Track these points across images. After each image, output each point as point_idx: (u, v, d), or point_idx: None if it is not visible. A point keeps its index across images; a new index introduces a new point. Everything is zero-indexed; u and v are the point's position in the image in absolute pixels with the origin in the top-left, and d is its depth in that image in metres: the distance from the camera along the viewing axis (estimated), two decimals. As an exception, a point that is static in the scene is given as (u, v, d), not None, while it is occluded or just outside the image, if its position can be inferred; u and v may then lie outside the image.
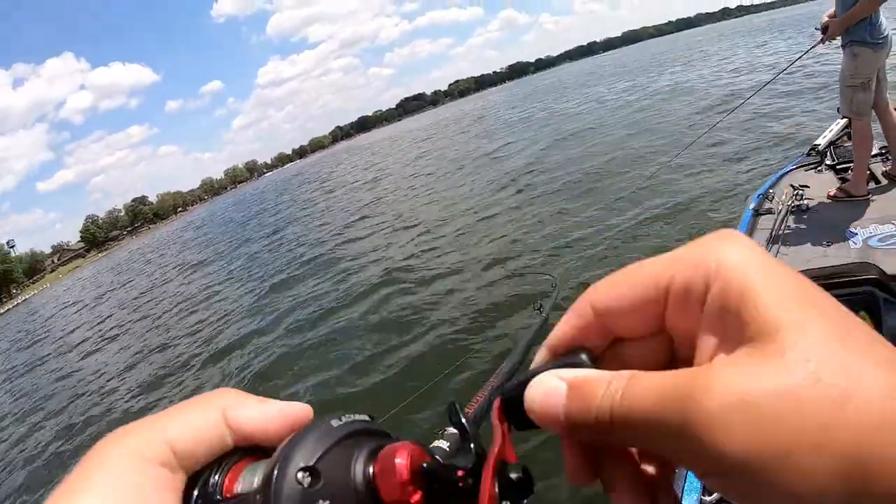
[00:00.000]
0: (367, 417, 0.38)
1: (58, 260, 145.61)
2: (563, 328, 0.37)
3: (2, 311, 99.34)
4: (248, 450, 0.37)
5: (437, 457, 0.33)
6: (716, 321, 0.30)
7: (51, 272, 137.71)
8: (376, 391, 5.98)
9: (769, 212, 4.83)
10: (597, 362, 0.37)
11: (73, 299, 45.45)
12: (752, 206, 5.05)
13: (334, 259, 14.86)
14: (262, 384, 8.27)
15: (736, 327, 0.28)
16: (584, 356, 0.37)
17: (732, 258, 0.30)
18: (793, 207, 4.73)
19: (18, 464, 10.70)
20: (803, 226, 4.50)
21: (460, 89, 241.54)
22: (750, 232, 4.60)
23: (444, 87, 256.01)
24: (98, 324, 24.93)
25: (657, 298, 0.33)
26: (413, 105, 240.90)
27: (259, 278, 17.56)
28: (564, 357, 0.36)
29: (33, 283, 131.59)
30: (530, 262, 8.53)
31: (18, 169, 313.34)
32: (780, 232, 4.37)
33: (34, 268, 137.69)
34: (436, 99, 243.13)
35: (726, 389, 0.26)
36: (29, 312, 60.51)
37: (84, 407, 12.64)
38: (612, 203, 10.52)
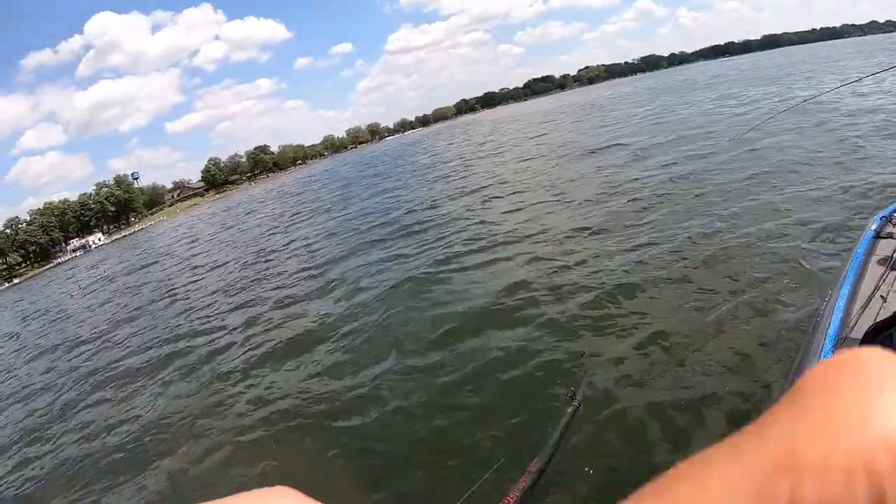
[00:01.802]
0: None
1: (177, 196, 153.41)
2: None
3: (120, 235, 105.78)
4: None
5: None
6: None
7: (169, 206, 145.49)
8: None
9: (890, 236, 4.74)
10: None
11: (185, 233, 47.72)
12: (873, 227, 4.95)
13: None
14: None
15: None
16: None
17: None
18: None
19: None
20: None
21: (590, 76, 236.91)
22: (868, 255, 4.51)
23: (573, 73, 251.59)
24: (209, 253, 25.92)
25: None
26: (540, 86, 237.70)
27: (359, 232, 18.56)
28: None
29: (152, 214, 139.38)
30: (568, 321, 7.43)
31: (150, 108, 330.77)
32: None
33: (154, 200, 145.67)
34: (563, 83, 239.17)
35: None
36: (146, 239, 64.02)
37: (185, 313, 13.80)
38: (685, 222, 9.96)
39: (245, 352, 9.66)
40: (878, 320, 3.00)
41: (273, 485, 0.34)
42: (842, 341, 3.36)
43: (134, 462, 7.23)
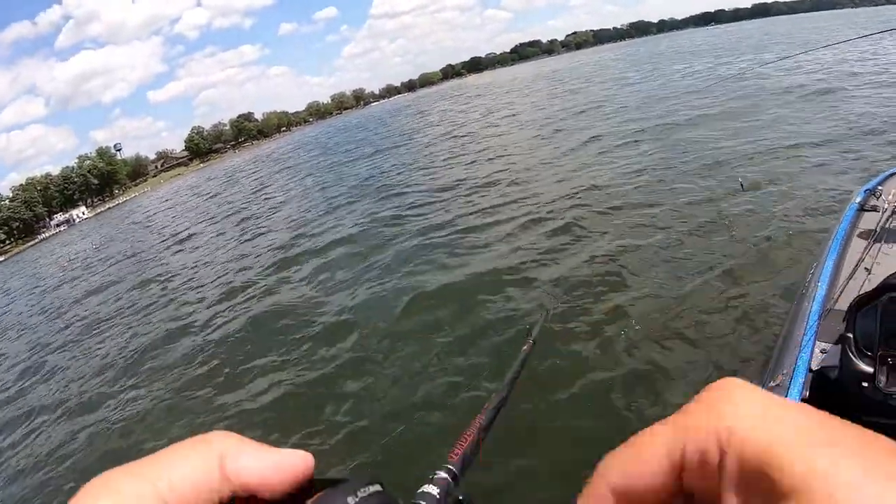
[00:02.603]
0: (379, 487, 0.36)
1: (161, 166, 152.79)
2: None
3: (104, 208, 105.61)
4: (245, 499, 0.35)
5: None
6: (739, 483, 0.29)
7: (153, 176, 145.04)
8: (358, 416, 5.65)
9: (874, 209, 4.78)
10: None
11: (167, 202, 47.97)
12: (857, 200, 5.04)
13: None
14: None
15: (763, 489, 0.28)
16: None
17: (742, 420, 0.30)
18: None
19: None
20: None
21: (577, 41, 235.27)
22: (852, 228, 4.62)
23: (560, 38, 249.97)
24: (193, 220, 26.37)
25: (673, 470, 0.32)
26: (528, 51, 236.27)
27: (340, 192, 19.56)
28: None
29: (135, 185, 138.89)
30: (530, 263, 8.15)
31: (132, 78, 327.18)
32: (885, 231, 4.28)
33: (138, 171, 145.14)
34: (551, 48, 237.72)
35: None
36: (129, 211, 64.17)
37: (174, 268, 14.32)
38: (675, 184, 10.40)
39: (221, 323, 10.27)
40: (862, 293, 3.11)
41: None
42: (826, 313, 3.53)
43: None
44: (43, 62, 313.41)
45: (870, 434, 0.28)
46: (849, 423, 0.29)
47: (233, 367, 7.93)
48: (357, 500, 0.34)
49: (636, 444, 0.34)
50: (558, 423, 4.67)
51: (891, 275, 2.92)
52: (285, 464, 0.35)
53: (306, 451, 0.36)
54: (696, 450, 0.31)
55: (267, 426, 6.08)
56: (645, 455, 0.33)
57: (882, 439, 0.28)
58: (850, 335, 2.83)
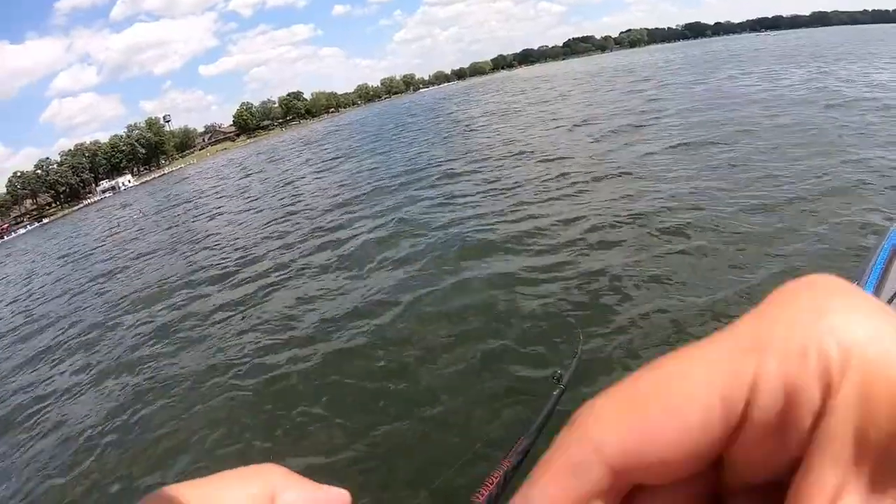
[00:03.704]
0: None
1: (208, 139, 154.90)
2: (552, 490, 0.25)
3: (149, 177, 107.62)
4: None
5: None
6: (848, 448, 0.20)
7: (200, 149, 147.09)
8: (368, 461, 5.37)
9: None
10: None
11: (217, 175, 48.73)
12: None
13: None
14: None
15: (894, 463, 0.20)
16: None
17: (868, 336, 0.21)
18: None
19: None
20: None
21: (631, 39, 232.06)
22: (893, 255, 4.28)
23: (614, 35, 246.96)
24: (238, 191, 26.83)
25: (721, 430, 0.23)
26: (580, 47, 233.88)
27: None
28: None
29: (182, 157, 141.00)
30: (564, 298, 7.36)
31: (184, 52, 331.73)
32: None
33: (185, 143, 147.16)
34: (604, 45, 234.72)
35: None
36: (175, 181, 65.29)
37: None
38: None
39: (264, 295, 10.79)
40: None
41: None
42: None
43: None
44: (97, 32, 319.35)
45: None
46: None
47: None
48: None
49: (656, 386, 0.24)
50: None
51: None
52: (327, 501, 0.37)
53: (345, 488, 0.37)
54: (776, 389, 0.22)
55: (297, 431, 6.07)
56: (673, 408, 0.23)
57: None
58: None
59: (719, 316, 6.04)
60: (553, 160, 16.24)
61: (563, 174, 14.16)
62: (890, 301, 3.53)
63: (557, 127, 23.49)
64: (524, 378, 5.73)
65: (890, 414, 0.19)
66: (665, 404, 0.23)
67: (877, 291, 3.93)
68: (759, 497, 0.23)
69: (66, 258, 26.99)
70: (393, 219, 13.45)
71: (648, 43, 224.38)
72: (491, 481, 0.70)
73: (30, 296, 19.86)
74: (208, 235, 18.99)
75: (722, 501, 0.25)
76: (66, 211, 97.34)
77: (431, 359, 6.64)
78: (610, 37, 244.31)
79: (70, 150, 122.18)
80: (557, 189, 12.67)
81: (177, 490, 0.34)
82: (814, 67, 30.12)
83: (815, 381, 0.20)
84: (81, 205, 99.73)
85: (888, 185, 9.07)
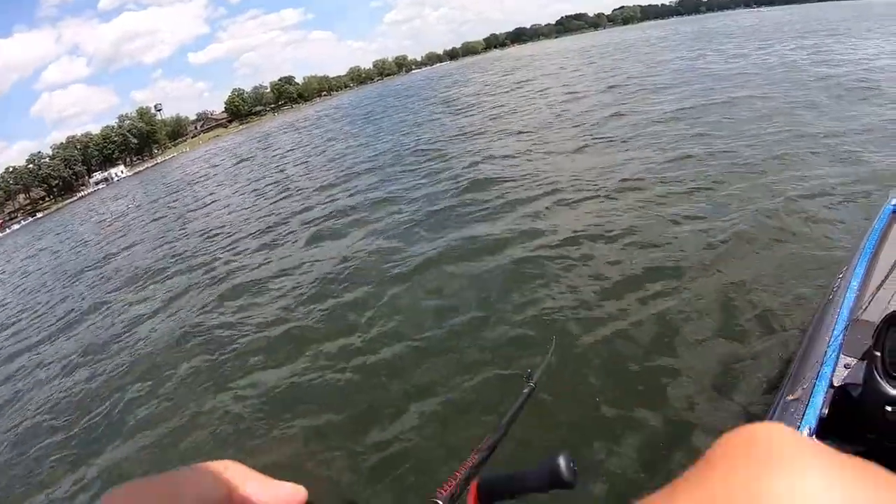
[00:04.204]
0: None
1: (200, 127, 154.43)
2: None
3: (142, 167, 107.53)
4: None
5: None
6: None
7: (192, 137, 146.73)
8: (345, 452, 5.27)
9: None
10: None
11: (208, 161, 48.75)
12: (893, 201, 4.70)
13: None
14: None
15: None
16: None
17: None
18: None
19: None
20: None
21: (624, 16, 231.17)
22: (886, 231, 4.37)
23: (607, 12, 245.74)
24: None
25: None
26: (573, 24, 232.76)
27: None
28: None
29: (175, 145, 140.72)
30: (538, 293, 7.12)
31: (174, 40, 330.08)
32: None
33: (177, 131, 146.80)
34: (597, 22, 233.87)
35: None
36: (168, 171, 65.27)
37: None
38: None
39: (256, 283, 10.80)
40: (894, 308, 2.95)
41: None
42: (853, 323, 3.30)
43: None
44: (85, 22, 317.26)
45: None
46: None
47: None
48: None
49: None
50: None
51: None
52: (283, 495, 0.38)
53: (298, 482, 0.38)
54: None
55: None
56: None
57: None
58: (878, 353, 2.64)
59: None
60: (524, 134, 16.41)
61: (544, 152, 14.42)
62: (890, 270, 3.56)
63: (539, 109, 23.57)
64: (497, 376, 5.62)
65: None
66: None
67: (872, 261, 3.96)
68: None
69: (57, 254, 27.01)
70: (374, 199, 13.65)
71: (642, 20, 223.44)
72: (456, 476, 0.68)
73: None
74: (198, 223, 19.07)
75: None
76: (60, 204, 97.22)
77: (403, 355, 6.53)
78: (603, 14, 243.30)
79: (62, 142, 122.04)
80: (535, 180, 12.69)
81: (136, 485, 0.34)
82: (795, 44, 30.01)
83: None
84: (75, 197, 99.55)
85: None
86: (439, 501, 0.60)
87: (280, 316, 8.47)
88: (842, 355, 3.11)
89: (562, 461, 0.40)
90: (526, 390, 1.44)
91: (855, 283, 3.72)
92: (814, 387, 2.89)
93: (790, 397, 2.97)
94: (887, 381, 2.54)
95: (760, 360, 4.77)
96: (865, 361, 2.75)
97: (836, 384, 2.92)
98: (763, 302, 5.63)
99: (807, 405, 2.79)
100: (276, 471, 0.38)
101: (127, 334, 10.11)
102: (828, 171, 8.95)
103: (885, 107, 12.13)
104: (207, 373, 7.50)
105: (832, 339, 3.21)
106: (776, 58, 23.98)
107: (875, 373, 2.58)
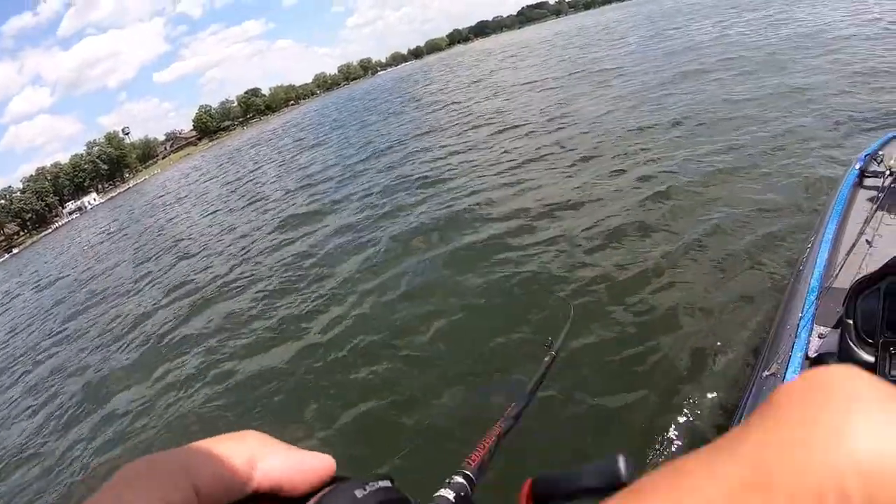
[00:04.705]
0: (388, 483, 0.34)
1: (170, 147, 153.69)
2: None
3: (115, 193, 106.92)
4: (266, 496, 0.37)
5: None
6: None
7: (163, 158, 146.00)
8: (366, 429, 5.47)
9: (875, 175, 4.59)
10: None
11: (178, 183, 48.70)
12: (857, 166, 4.81)
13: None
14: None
15: None
16: None
17: (883, 453, 0.18)
18: None
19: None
20: None
21: (585, 1, 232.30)
22: (852, 196, 4.46)
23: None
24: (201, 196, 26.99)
25: None
26: (535, 13, 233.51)
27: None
28: None
29: (146, 167, 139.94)
30: (555, 268, 7.20)
31: (137, 61, 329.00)
32: (886, 199, 4.11)
33: (147, 153, 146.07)
34: (559, 9, 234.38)
35: None
36: (140, 194, 65.09)
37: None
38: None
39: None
40: (863, 273, 2.91)
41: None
42: (825, 291, 3.30)
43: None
44: (46, 52, 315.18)
45: None
46: None
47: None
48: (366, 493, 0.32)
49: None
50: (574, 437, 4.40)
51: (894, 256, 2.70)
52: (308, 466, 0.37)
53: (327, 453, 0.36)
54: None
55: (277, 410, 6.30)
56: None
57: None
58: (850, 321, 2.65)
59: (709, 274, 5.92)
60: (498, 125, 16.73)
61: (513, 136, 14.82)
62: (859, 236, 3.66)
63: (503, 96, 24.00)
64: (518, 344, 5.74)
65: None
66: None
67: (839, 229, 4.03)
68: None
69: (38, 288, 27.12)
70: (352, 196, 13.92)
71: (603, 3, 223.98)
72: (483, 446, 0.80)
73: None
74: (175, 245, 19.20)
75: None
76: (35, 238, 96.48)
77: (424, 330, 6.71)
78: (564, 0, 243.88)
79: (32, 174, 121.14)
80: (508, 161, 13.01)
81: (155, 458, 0.34)
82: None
83: None
84: (50, 229, 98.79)
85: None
86: (468, 472, 0.61)
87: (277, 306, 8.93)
88: (815, 325, 3.11)
89: (621, 462, 0.40)
90: (547, 358, 1.43)
91: (824, 252, 3.75)
92: (789, 360, 2.92)
93: (766, 372, 2.95)
94: (861, 348, 2.56)
95: (734, 338, 4.71)
96: (839, 330, 2.75)
97: (811, 355, 2.93)
98: (737, 277, 5.62)
99: (783, 379, 2.76)
100: (302, 444, 0.36)
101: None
102: (788, 138, 9.03)
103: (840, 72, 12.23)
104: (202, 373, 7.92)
105: (805, 310, 3.22)
106: (733, 30, 24.28)
107: (848, 341, 2.61)
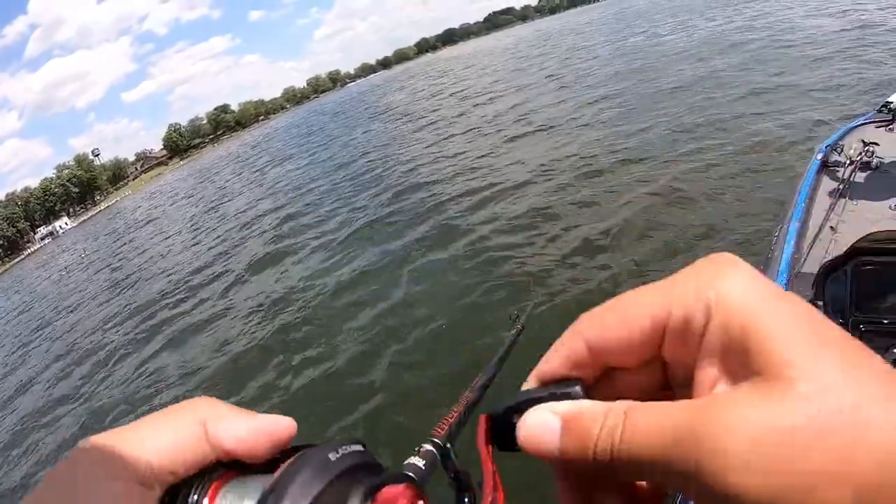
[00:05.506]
0: (360, 447, 0.37)
1: (141, 167, 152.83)
2: (554, 362, 0.38)
3: (86, 216, 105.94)
4: (228, 464, 0.37)
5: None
6: (717, 353, 0.30)
7: (133, 179, 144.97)
8: (347, 390, 5.85)
9: (837, 164, 4.77)
10: (589, 391, 0.34)
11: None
12: (819, 157, 4.98)
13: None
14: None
15: (739, 360, 0.29)
16: (577, 388, 0.34)
17: (733, 289, 0.30)
18: (861, 164, 4.59)
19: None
20: (872, 183, 4.42)
21: (551, 6, 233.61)
22: (815, 185, 4.64)
23: (534, 3, 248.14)
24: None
25: (653, 333, 0.33)
26: (501, 19, 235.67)
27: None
28: (556, 386, 0.37)
29: (117, 189, 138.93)
30: (513, 253, 7.78)
31: (105, 81, 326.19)
32: (849, 187, 4.32)
33: (118, 175, 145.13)
34: (525, 14, 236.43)
35: (739, 427, 0.27)
36: (110, 217, 64.59)
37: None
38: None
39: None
40: (829, 258, 3.10)
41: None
42: (794, 276, 3.53)
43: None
44: (13, 75, 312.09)
45: (856, 342, 0.28)
46: (839, 327, 0.29)
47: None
48: (339, 455, 0.34)
49: (619, 303, 0.36)
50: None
51: (859, 239, 2.90)
52: (265, 429, 0.37)
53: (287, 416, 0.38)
54: (681, 314, 0.32)
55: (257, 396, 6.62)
56: (626, 314, 0.34)
57: (867, 350, 0.28)
58: (821, 302, 2.86)
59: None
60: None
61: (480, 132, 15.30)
62: (823, 222, 3.89)
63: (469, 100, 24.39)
64: (486, 324, 6.04)
65: (737, 334, 0.29)
66: (622, 313, 0.35)
67: (805, 215, 4.21)
68: (688, 392, 0.32)
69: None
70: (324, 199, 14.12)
71: (568, 7, 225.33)
72: (451, 416, 0.79)
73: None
74: (149, 266, 19.50)
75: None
76: (7, 266, 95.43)
77: (400, 312, 7.13)
78: (530, 5, 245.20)
79: (2, 200, 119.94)
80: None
81: (107, 435, 0.34)
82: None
83: (701, 314, 0.31)
84: (23, 255, 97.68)
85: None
86: (437, 440, 0.59)
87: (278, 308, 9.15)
88: None
89: (579, 387, 0.37)
90: (513, 331, 1.52)
91: (791, 239, 3.92)
92: None
93: None
94: None
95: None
96: None
97: None
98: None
99: None
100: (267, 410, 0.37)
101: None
102: (757, 128, 9.36)
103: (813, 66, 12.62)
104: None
105: None
106: (702, 31, 24.79)
107: None
